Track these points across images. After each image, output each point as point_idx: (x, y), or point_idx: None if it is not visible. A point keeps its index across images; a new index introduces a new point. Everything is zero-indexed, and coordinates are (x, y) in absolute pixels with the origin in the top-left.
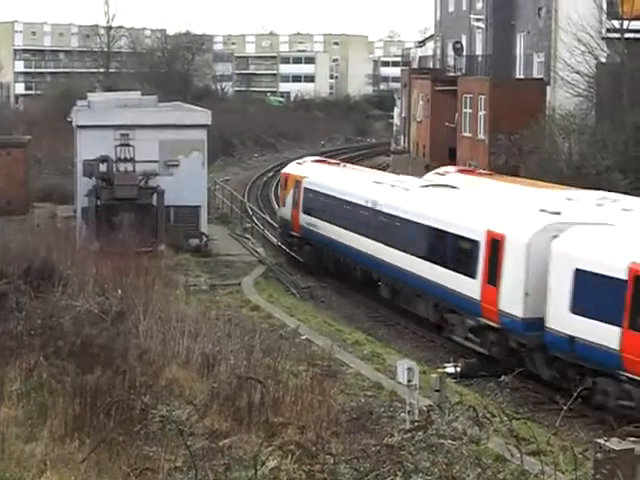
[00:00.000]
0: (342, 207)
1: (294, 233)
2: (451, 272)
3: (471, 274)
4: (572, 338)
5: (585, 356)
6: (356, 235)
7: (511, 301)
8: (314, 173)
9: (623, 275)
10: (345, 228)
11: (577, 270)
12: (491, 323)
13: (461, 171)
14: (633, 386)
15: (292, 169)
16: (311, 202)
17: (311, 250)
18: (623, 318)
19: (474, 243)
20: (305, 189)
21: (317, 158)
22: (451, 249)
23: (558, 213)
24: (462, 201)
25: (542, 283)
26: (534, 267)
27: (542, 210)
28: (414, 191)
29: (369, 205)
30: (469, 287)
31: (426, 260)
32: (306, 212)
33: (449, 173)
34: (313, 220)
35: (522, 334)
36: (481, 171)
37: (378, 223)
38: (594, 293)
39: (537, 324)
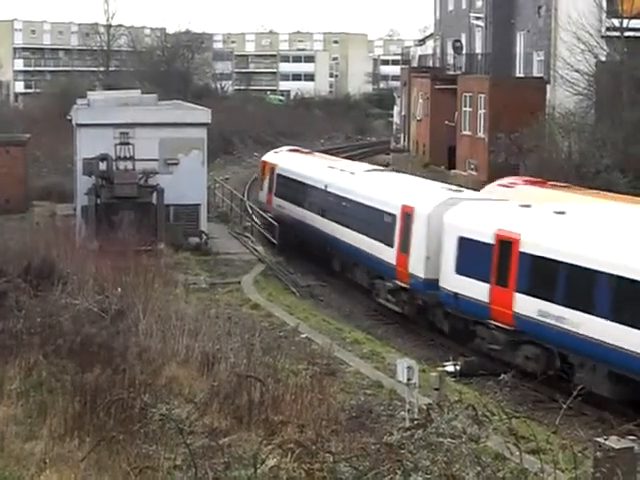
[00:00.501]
0: (303, 190)
1: (269, 215)
2: (377, 243)
3: (390, 243)
4: (456, 295)
5: (466, 309)
6: (314, 215)
7: (417, 265)
8: (285, 161)
9: (491, 240)
10: (305, 208)
11: (460, 237)
12: (403, 284)
13: (530, 182)
14: (499, 332)
15: (269, 157)
16: (282, 186)
17: (281, 230)
18: (491, 276)
19: (393, 216)
20: (277, 175)
21: (291, 147)
22: (378, 223)
23: (461, 191)
24: (391, 182)
25: (439, 249)
26: (434, 235)
27: (448, 189)
28: (357, 175)
29: (322, 187)
30: (389, 255)
31: (361, 234)
32: (278, 195)
33: (516, 185)
34: (283, 202)
35: (424, 293)
36: (555, 183)
37: (329, 203)
38: (472, 256)
39: (435, 284)
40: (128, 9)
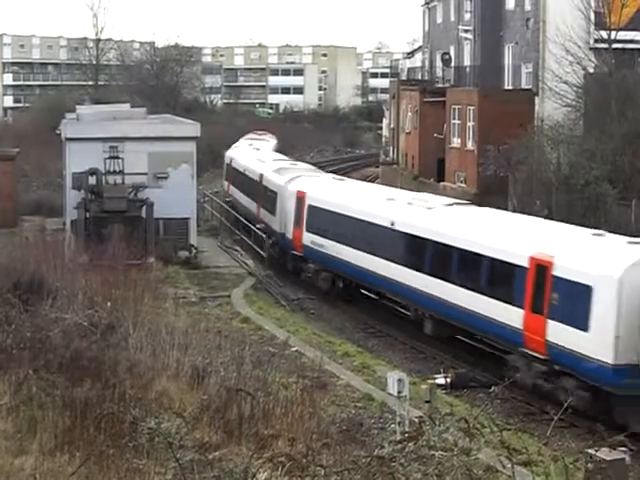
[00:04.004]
0: (232, 169)
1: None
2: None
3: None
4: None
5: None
6: (238, 191)
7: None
8: (235, 148)
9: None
10: (232, 185)
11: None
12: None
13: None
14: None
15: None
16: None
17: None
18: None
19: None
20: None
21: (248, 136)
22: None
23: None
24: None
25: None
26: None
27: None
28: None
29: (237, 167)
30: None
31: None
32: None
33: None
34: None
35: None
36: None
37: (241, 180)
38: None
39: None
40: (117, 23)
